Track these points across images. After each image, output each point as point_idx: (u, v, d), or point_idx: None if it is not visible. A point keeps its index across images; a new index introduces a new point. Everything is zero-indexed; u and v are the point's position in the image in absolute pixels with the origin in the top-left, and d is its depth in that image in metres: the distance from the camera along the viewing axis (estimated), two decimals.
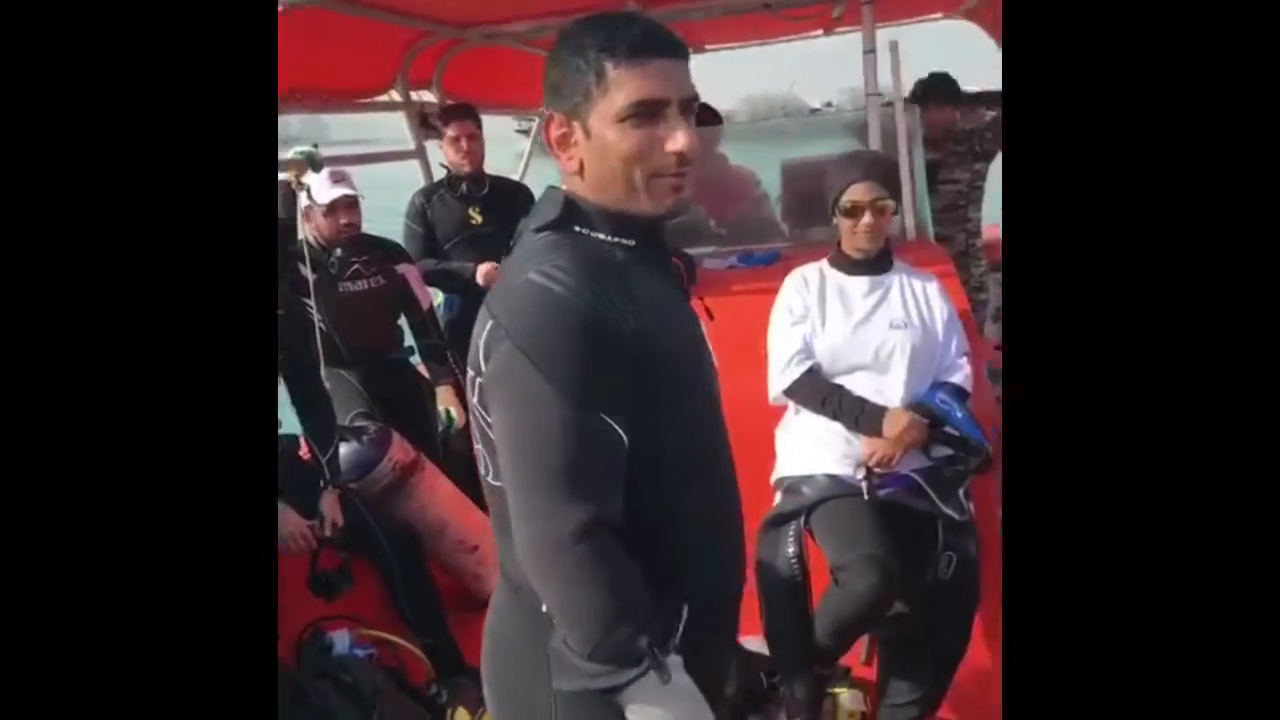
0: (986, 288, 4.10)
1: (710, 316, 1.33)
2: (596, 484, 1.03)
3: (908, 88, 3.59)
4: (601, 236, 1.13)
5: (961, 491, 2.21)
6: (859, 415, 2.19)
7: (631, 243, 1.15)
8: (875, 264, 2.34)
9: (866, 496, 2.16)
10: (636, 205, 1.13)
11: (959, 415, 2.20)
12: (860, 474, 2.19)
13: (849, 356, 2.27)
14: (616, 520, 1.05)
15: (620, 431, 1.05)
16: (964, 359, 2.31)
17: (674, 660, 1.04)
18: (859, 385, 2.24)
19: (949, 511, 2.16)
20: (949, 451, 2.22)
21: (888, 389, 2.23)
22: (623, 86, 1.07)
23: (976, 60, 5.33)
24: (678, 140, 1.09)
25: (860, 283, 2.34)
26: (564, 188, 1.17)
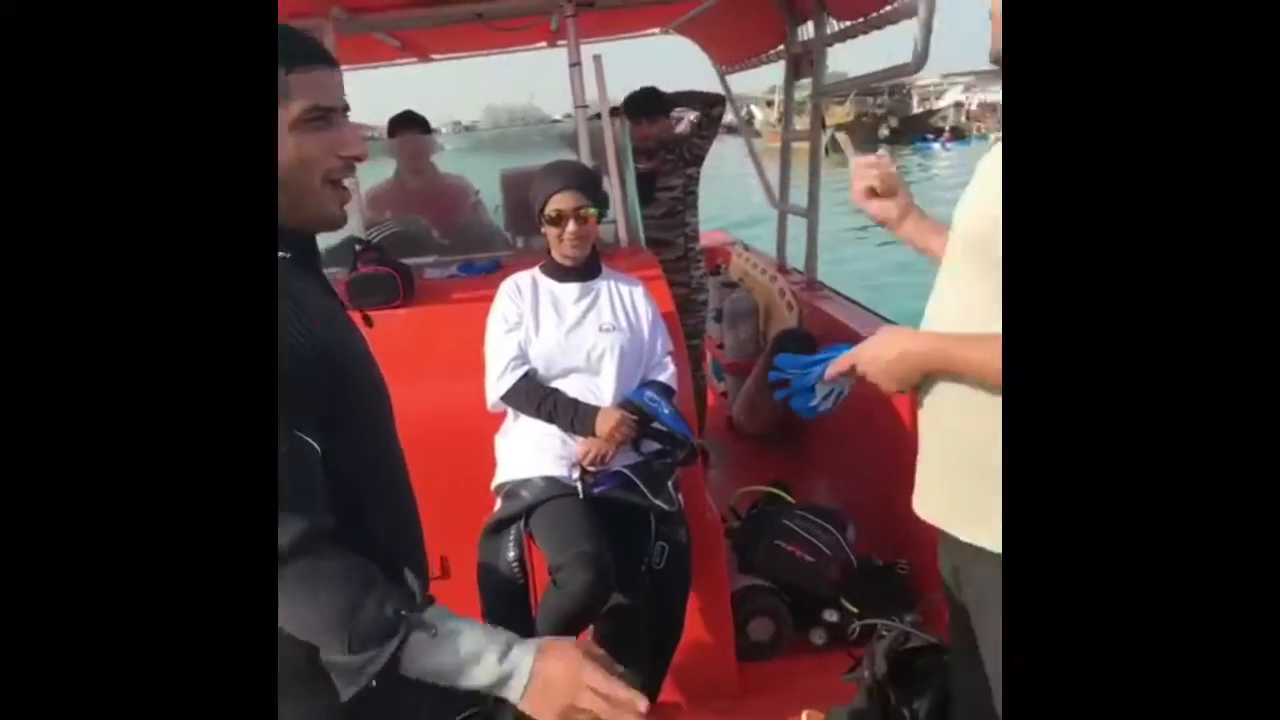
0: (706, 289, 4.28)
1: (369, 324, 1.30)
2: (300, 500, 1.02)
3: (617, 99, 3.70)
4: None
5: (670, 483, 2.30)
6: (573, 416, 2.23)
7: (287, 254, 1.11)
8: (584, 271, 2.40)
9: (582, 495, 2.20)
10: (310, 210, 1.13)
11: (666, 411, 2.29)
12: (576, 474, 2.23)
13: (562, 360, 2.31)
14: (329, 528, 1.04)
15: (314, 443, 1.05)
16: (669, 358, 2.41)
17: (435, 612, 1.04)
18: (572, 387, 2.28)
19: (659, 503, 2.24)
20: (658, 446, 2.30)
21: (600, 390, 2.29)
22: (298, 94, 1.08)
23: (689, 72, 5.60)
24: (350, 145, 1.13)
25: (571, 289, 2.38)
26: None
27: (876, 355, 1.51)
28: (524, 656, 1.05)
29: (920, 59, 2.49)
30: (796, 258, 4.64)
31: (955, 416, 1.46)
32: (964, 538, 1.47)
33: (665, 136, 4.00)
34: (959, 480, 1.48)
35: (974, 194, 1.48)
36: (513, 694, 1.05)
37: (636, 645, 2.25)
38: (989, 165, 1.46)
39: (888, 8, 2.95)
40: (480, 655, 1.04)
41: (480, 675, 1.04)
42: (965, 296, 1.47)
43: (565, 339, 2.32)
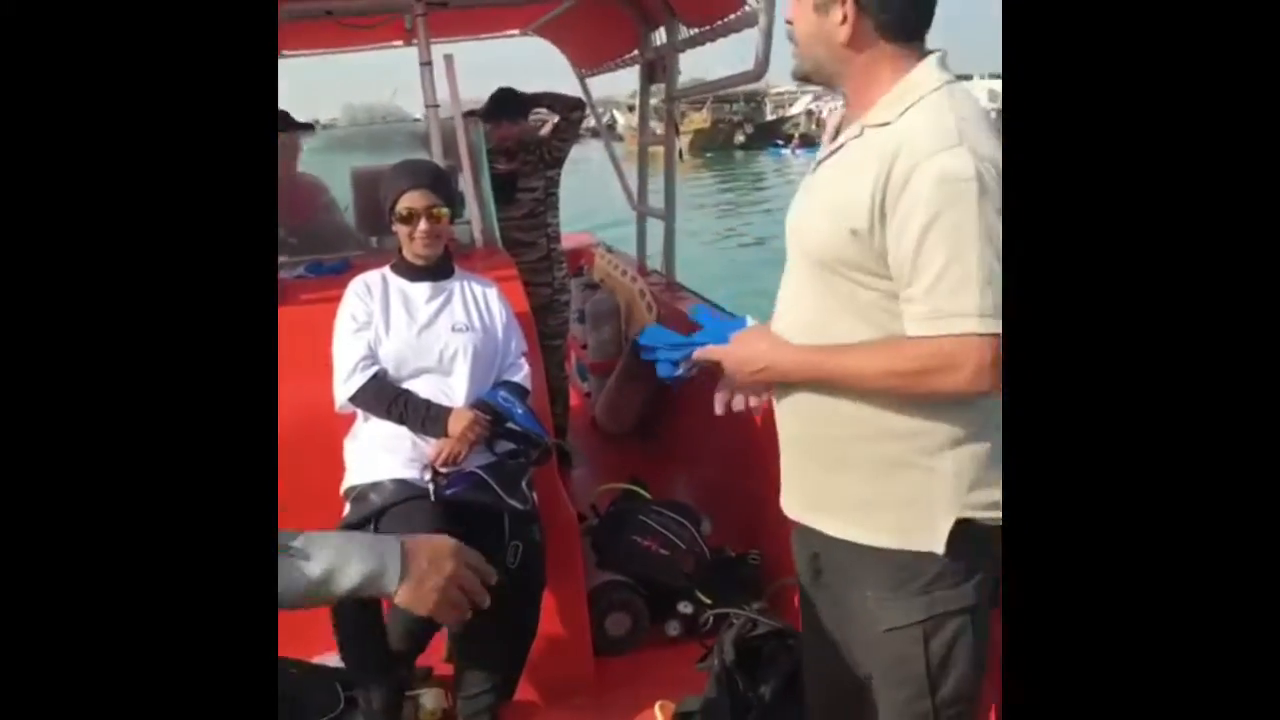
0: (568, 289, 4.27)
1: None
2: None
3: (470, 100, 3.65)
4: None
5: (525, 483, 2.28)
6: (424, 417, 2.18)
7: None
8: (436, 270, 2.35)
9: (434, 497, 2.16)
10: None
11: (519, 412, 2.27)
12: (427, 475, 2.19)
13: (413, 361, 2.26)
14: None
15: None
16: (523, 359, 2.39)
17: (282, 534, 0.99)
18: (424, 388, 2.23)
19: (514, 503, 2.21)
20: (511, 446, 2.28)
21: (452, 390, 2.25)
22: None
23: (553, 74, 5.58)
24: None
25: (422, 288, 2.34)
26: None
27: (742, 363, 1.53)
28: (391, 547, 1.02)
29: (762, 65, 2.56)
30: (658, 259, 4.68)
31: (816, 421, 1.50)
32: (832, 532, 1.51)
33: (526, 138, 3.97)
34: (824, 479, 1.53)
35: (805, 205, 1.52)
36: (388, 585, 1.01)
37: (492, 644, 2.22)
38: (824, 175, 1.50)
39: (732, 15, 3.02)
40: (347, 557, 1.00)
41: (351, 576, 1.00)
42: (801, 298, 1.51)
43: (416, 339, 2.27)
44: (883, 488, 1.44)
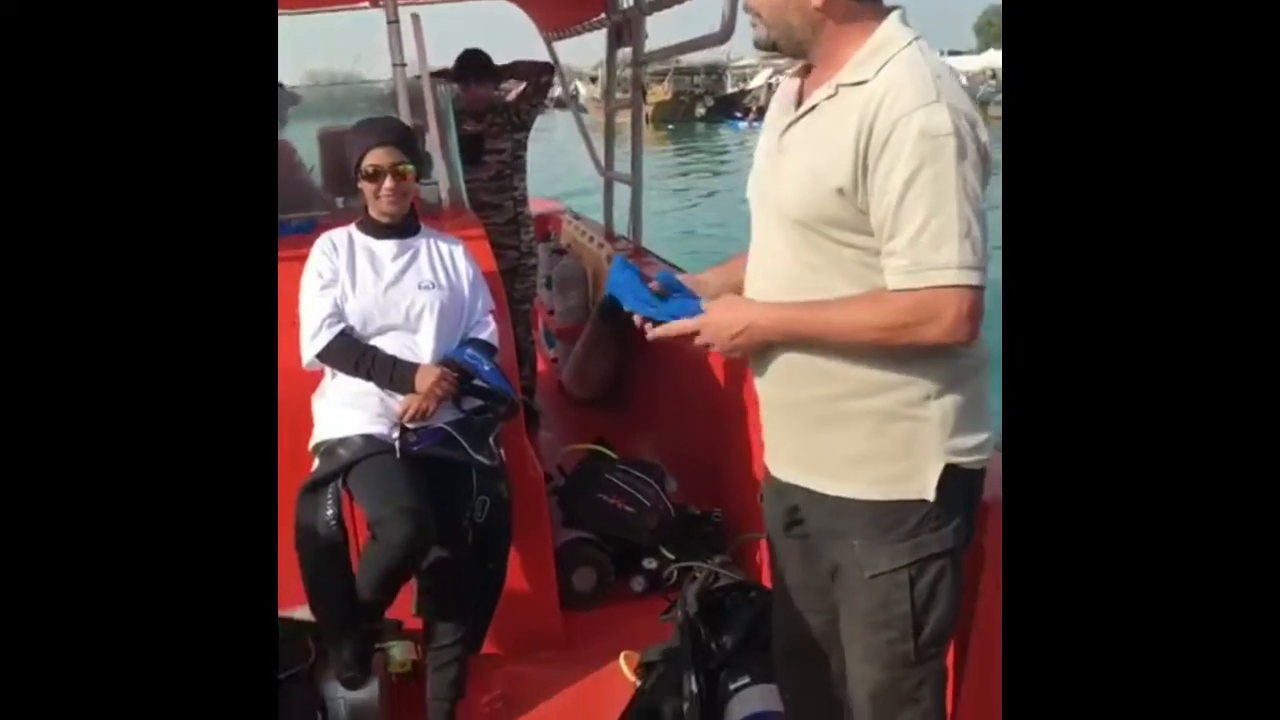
0: (535, 253, 4.24)
1: None
2: None
3: (437, 62, 3.59)
4: None
5: (492, 439, 2.27)
6: (392, 374, 2.17)
7: None
8: (402, 228, 2.32)
9: (400, 452, 2.14)
10: None
11: (486, 369, 2.25)
12: (395, 432, 2.17)
13: (380, 318, 2.23)
14: None
15: None
16: (490, 316, 2.37)
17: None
18: (391, 345, 2.21)
19: (481, 459, 2.21)
20: (479, 403, 2.26)
21: (418, 347, 2.23)
22: None
23: (515, 36, 5.51)
24: None
25: (388, 246, 2.30)
26: None
27: (721, 328, 1.50)
28: None
29: (728, 28, 2.54)
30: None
31: (801, 383, 1.50)
32: (829, 491, 1.51)
33: (494, 100, 3.92)
34: (813, 438, 1.52)
35: (781, 168, 1.50)
36: None
37: (459, 599, 2.22)
38: (798, 137, 1.48)
39: None
40: None
41: None
42: (780, 261, 1.50)
43: (383, 296, 2.24)
44: (875, 442, 1.45)
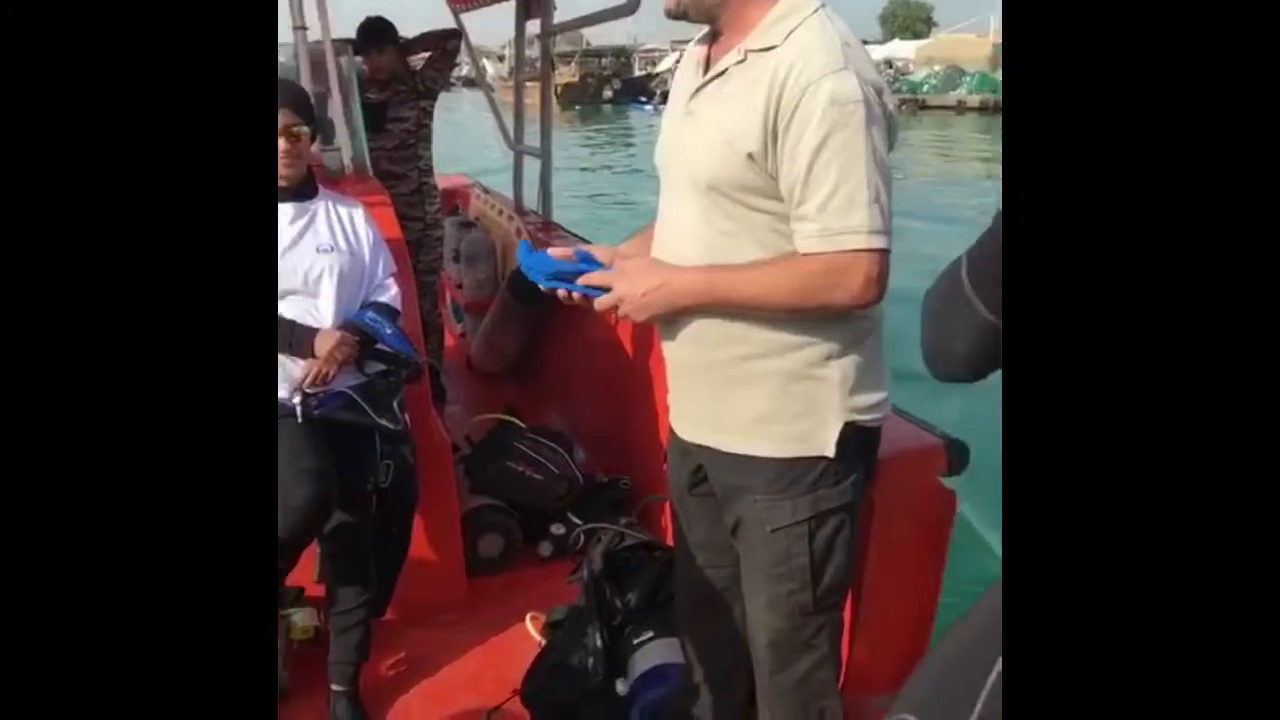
0: (441, 225, 4.15)
1: None
2: None
3: (339, 28, 3.48)
4: None
5: (396, 403, 2.22)
6: (290, 338, 2.10)
7: None
8: (299, 191, 2.24)
9: (301, 417, 2.08)
10: None
11: (389, 332, 2.20)
12: (296, 397, 2.11)
13: (279, 283, 2.16)
14: None
15: None
16: (391, 280, 2.32)
17: None
18: (290, 309, 2.14)
19: (384, 422, 2.16)
20: (381, 367, 2.21)
21: (318, 311, 2.16)
22: None
23: (424, 11, 5.37)
24: None
25: (285, 209, 2.22)
26: None
27: (636, 284, 1.47)
28: None
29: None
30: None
31: (709, 345, 1.49)
32: (736, 450, 1.51)
33: (398, 68, 3.82)
34: (721, 399, 1.52)
35: (689, 134, 1.49)
36: None
37: (363, 563, 2.18)
38: (707, 102, 1.47)
39: None
40: None
41: None
42: (691, 226, 1.48)
43: (281, 260, 2.17)
44: (779, 402, 1.46)
